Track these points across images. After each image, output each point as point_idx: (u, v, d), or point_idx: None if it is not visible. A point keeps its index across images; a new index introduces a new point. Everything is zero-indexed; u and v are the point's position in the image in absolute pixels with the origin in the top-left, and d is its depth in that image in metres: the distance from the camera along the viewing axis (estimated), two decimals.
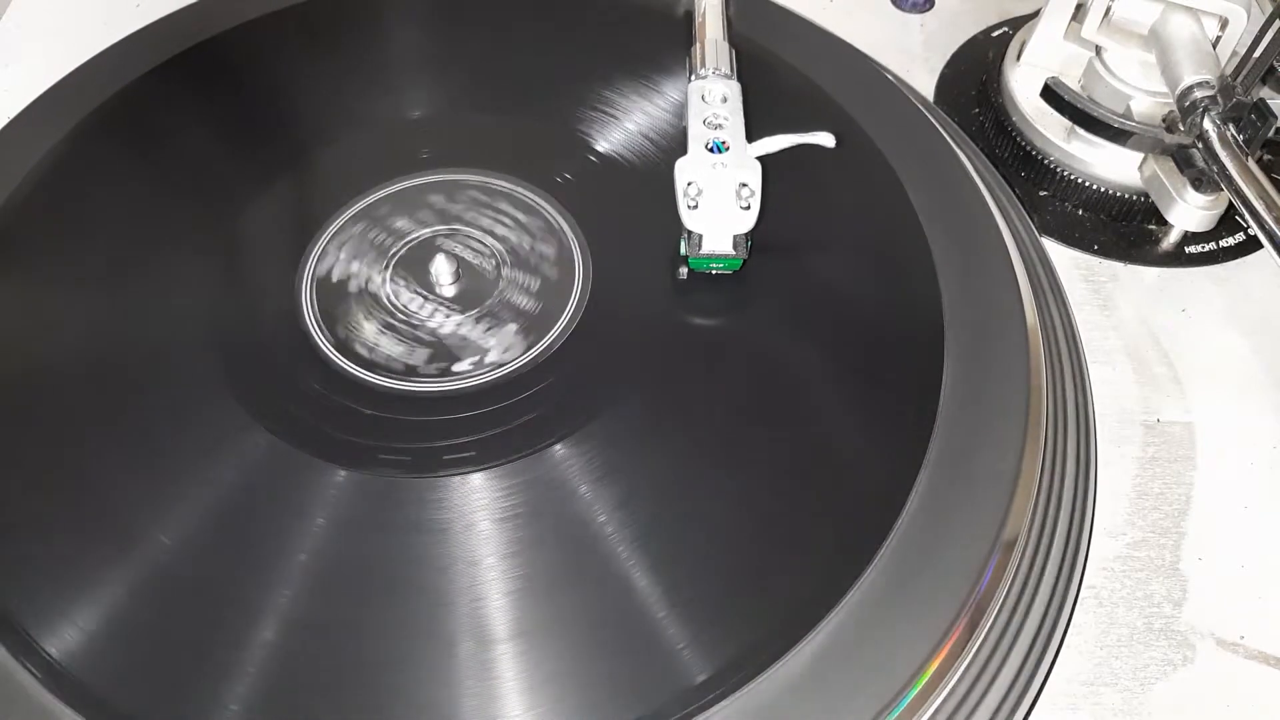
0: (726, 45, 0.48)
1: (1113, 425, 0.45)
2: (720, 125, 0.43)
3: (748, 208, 0.41)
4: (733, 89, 0.45)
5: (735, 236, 0.42)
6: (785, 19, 0.55)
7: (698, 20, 0.50)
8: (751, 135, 0.43)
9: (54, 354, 0.42)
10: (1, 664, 0.34)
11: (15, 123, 0.50)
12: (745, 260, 0.42)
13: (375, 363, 0.42)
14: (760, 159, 0.42)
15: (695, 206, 0.41)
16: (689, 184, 0.41)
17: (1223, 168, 0.43)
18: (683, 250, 0.42)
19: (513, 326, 0.43)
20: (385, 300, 0.44)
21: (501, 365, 0.42)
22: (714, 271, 0.43)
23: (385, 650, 0.34)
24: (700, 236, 0.42)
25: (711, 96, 0.45)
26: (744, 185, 0.41)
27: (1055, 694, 0.39)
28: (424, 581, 0.36)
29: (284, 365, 0.42)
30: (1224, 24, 0.48)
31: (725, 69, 0.46)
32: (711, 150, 0.42)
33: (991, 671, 0.36)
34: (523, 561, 0.36)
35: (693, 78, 0.46)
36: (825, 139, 0.43)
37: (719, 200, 0.41)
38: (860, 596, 0.35)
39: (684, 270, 0.43)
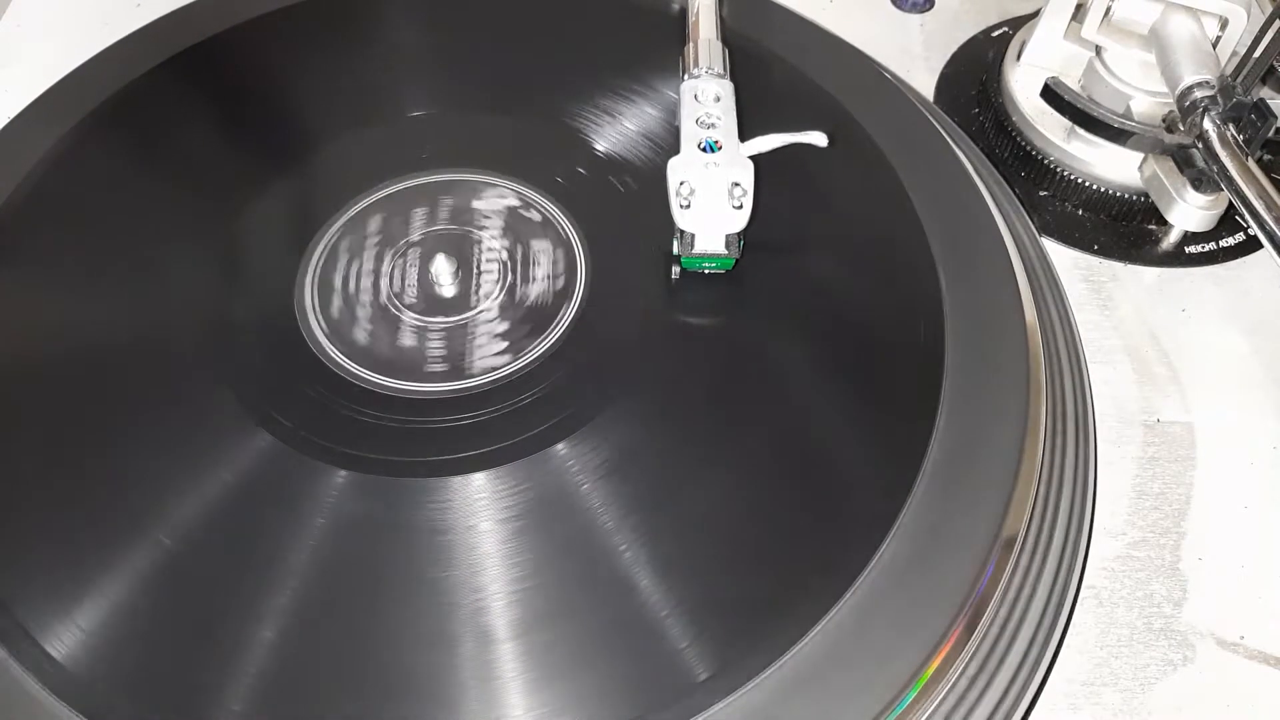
0: (720, 45, 0.48)
1: (1113, 425, 0.45)
2: (713, 125, 0.43)
3: (740, 207, 0.41)
4: (726, 88, 0.45)
5: (728, 236, 0.42)
6: (785, 18, 0.55)
7: (691, 20, 0.50)
8: (751, 135, 0.43)
9: (54, 353, 0.42)
10: (0, 663, 0.34)
11: (15, 123, 0.50)
12: (738, 260, 0.42)
13: (375, 362, 0.42)
14: (759, 159, 0.42)
15: (687, 206, 0.41)
16: (681, 183, 0.41)
17: (1223, 168, 0.43)
18: (675, 250, 0.43)
19: (513, 327, 0.43)
20: (385, 300, 0.44)
21: (501, 366, 0.41)
22: (707, 271, 0.43)
23: (386, 650, 0.34)
24: (693, 236, 0.42)
25: (704, 96, 0.45)
26: (736, 185, 0.41)
27: (1055, 694, 0.39)
28: (425, 581, 0.36)
29: (285, 365, 0.42)
30: (1224, 24, 0.48)
31: (718, 68, 0.46)
32: (704, 150, 0.42)
33: (991, 671, 0.36)
34: (524, 561, 0.36)
35: (686, 77, 0.46)
36: (818, 138, 0.43)
37: (711, 200, 0.41)
38: (860, 596, 0.35)
39: (676, 270, 0.43)
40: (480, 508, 0.37)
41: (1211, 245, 0.51)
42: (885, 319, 0.43)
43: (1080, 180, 0.52)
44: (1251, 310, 0.49)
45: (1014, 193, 0.52)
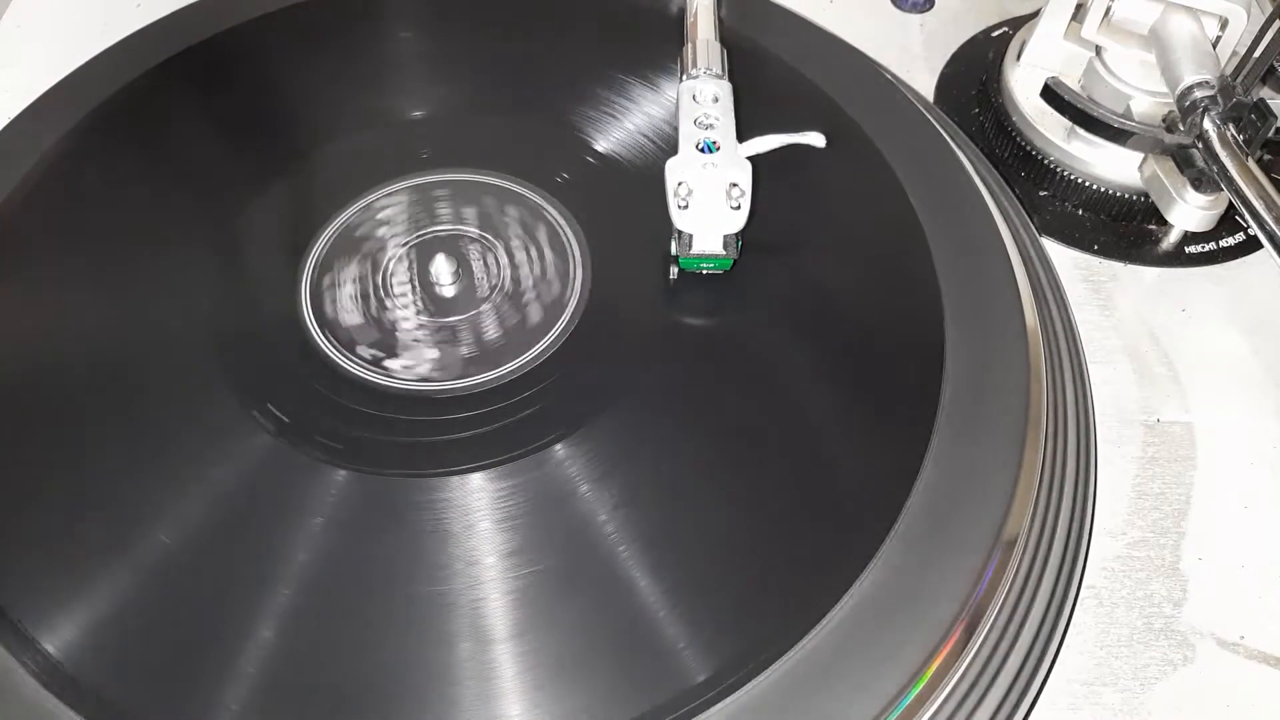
0: (718, 45, 0.48)
1: (1113, 425, 0.45)
2: (711, 125, 0.43)
3: (738, 208, 0.41)
4: (724, 89, 0.45)
5: (725, 236, 0.42)
6: (784, 19, 0.55)
7: (689, 20, 0.50)
8: (750, 135, 0.43)
9: (54, 354, 0.42)
10: (1, 663, 0.34)
11: (15, 123, 0.50)
12: (736, 260, 0.42)
13: (375, 362, 0.42)
14: (757, 159, 0.42)
15: (685, 206, 0.41)
16: (679, 184, 0.41)
17: (1223, 168, 0.43)
18: (673, 250, 0.43)
19: (512, 326, 0.43)
20: (385, 300, 0.44)
21: (500, 366, 0.41)
22: (704, 271, 0.43)
23: (385, 650, 0.34)
24: (690, 236, 0.42)
25: (702, 96, 0.45)
26: (734, 185, 0.41)
27: (1055, 694, 0.39)
28: (424, 581, 0.36)
29: (284, 365, 0.42)
30: (1224, 24, 0.48)
31: (716, 69, 0.46)
32: (702, 150, 0.42)
33: (991, 671, 0.36)
34: (522, 561, 0.36)
35: (684, 78, 0.46)
36: (816, 139, 0.43)
37: (709, 200, 0.41)
38: (860, 596, 0.35)
39: (674, 270, 0.43)
40: (479, 508, 0.37)
41: (1211, 245, 0.51)
42: (884, 319, 0.43)
43: (1080, 180, 0.52)
44: (1251, 310, 0.49)
45: (1014, 193, 0.52)
